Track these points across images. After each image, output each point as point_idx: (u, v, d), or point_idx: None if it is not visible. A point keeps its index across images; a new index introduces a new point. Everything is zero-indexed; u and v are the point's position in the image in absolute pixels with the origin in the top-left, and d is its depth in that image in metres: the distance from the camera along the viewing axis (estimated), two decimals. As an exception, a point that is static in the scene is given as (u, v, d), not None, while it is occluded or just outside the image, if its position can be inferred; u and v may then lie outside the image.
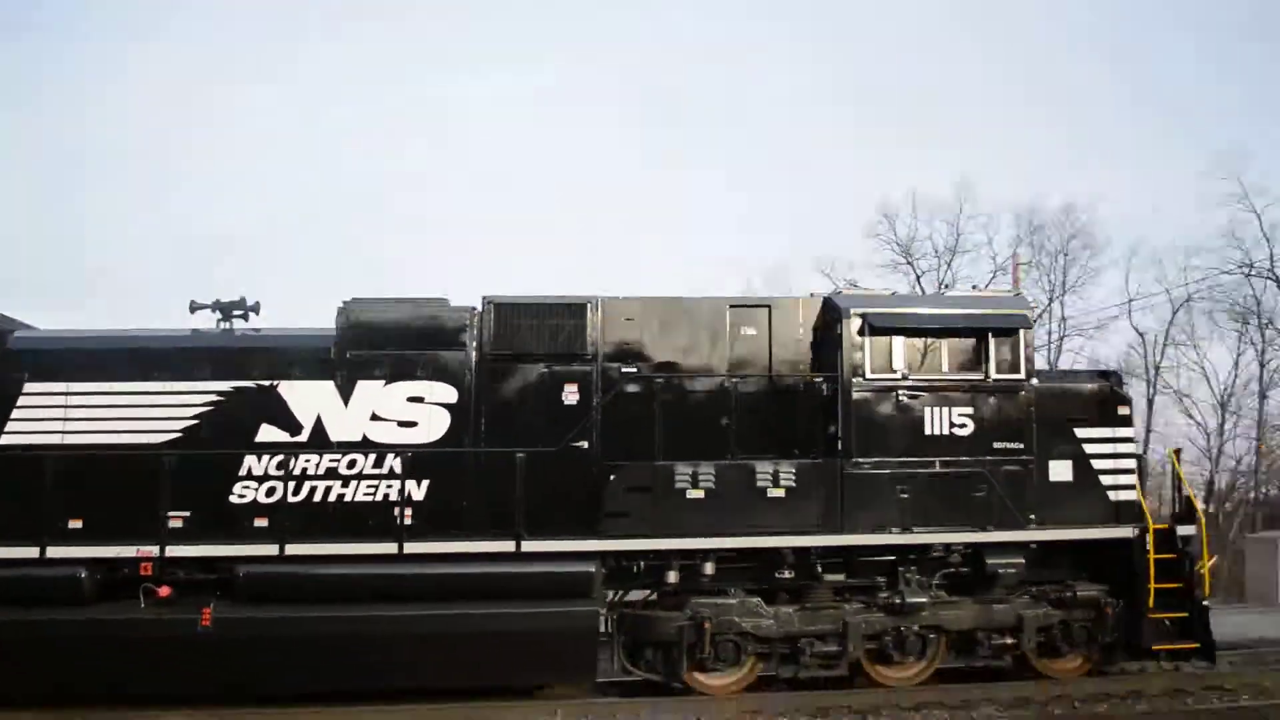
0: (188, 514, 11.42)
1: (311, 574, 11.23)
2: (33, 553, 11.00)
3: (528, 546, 11.43)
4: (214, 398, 11.85)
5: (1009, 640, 12.28)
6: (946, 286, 13.92)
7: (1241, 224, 39.75)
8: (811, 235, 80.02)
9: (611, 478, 11.74)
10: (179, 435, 11.73)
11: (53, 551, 11.04)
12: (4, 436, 11.59)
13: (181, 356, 12.06)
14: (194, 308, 12.97)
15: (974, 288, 14.00)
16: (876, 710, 10.83)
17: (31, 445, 11.50)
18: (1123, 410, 12.92)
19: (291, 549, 11.20)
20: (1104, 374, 13.86)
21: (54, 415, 11.64)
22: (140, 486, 11.44)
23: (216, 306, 12.82)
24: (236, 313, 12.86)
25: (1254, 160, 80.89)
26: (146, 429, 11.68)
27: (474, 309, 12.48)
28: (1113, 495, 12.55)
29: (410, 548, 11.33)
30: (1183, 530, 12.75)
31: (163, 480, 11.39)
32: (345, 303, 12.50)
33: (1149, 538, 12.39)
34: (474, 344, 12.28)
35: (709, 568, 11.89)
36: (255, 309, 12.96)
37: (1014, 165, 68.56)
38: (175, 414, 11.76)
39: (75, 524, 11.28)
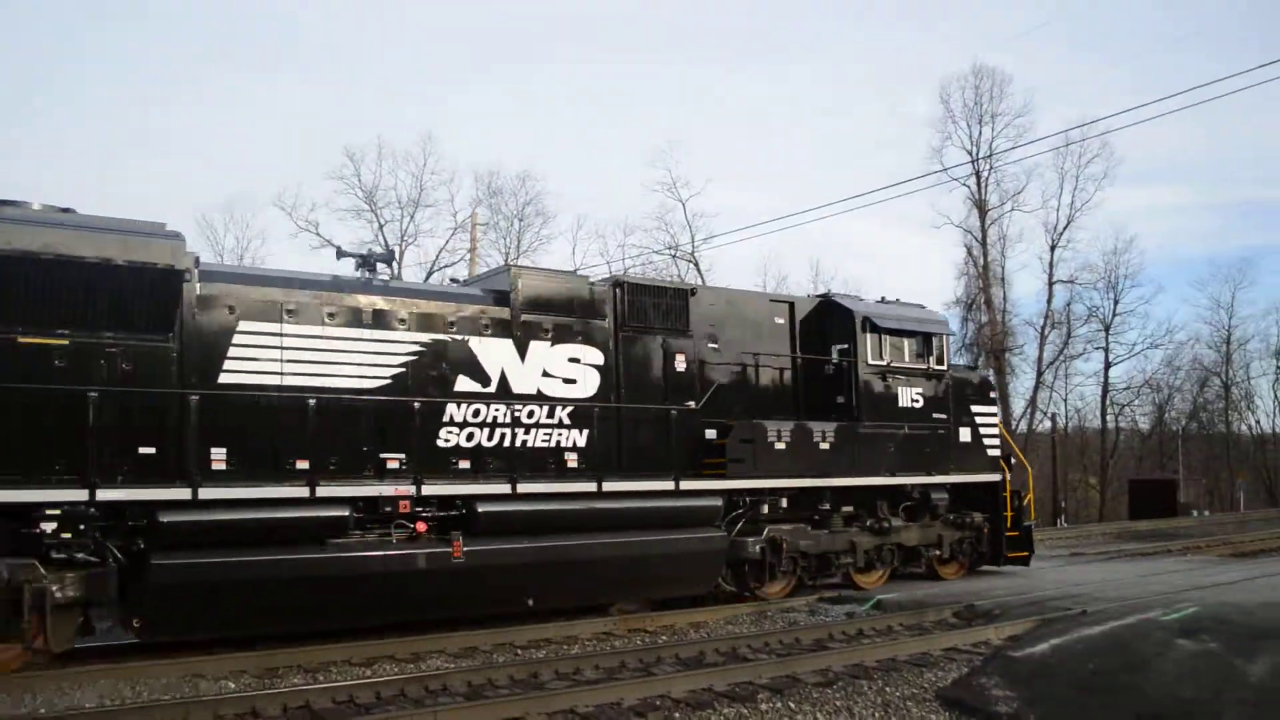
0: (403, 456, 12.50)
1: (534, 510, 12.94)
2: (301, 492, 11.52)
3: (684, 485, 14.09)
4: (417, 348, 12.89)
5: (936, 552, 17.24)
6: (884, 299, 18.38)
7: (670, 210, 48.87)
8: (270, 168, 79.28)
9: (725, 433, 14.70)
10: (388, 382, 12.64)
11: (321, 491, 11.61)
12: (224, 375, 11.73)
13: (386, 306, 12.82)
14: (341, 255, 13.63)
15: (896, 300, 18.57)
16: (327, 668, 10.96)
17: (251, 385, 11.80)
18: (992, 394, 18.51)
19: (523, 488, 12.82)
20: (972, 368, 19.35)
21: (270, 357, 11.99)
22: (365, 430, 12.32)
23: (369, 255, 13.56)
24: (379, 264, 13.71)
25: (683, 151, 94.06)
26: (356, 375, 12.43)
27: (610, 285, 14.63)
28: (990, 452, 18.02)
29: (607, 486, 13.46)
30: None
31: (380, 424, 12.40)
32: (513, 267, 14.04)
33: (1006, 481, 18.06)
34: (612, 315, 14.46)
35: (784, 502, 15.34)
36: (390, 260, 13.88)
37: (474, 127, 73.87)
38: (382, 361, 12.65)
39: (302, 464, 11.81)
